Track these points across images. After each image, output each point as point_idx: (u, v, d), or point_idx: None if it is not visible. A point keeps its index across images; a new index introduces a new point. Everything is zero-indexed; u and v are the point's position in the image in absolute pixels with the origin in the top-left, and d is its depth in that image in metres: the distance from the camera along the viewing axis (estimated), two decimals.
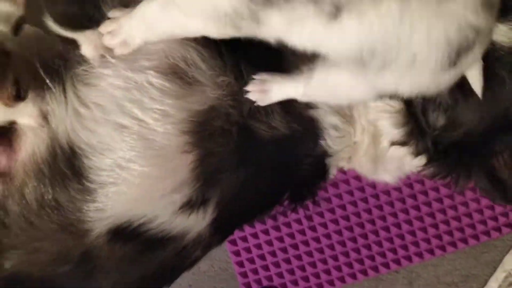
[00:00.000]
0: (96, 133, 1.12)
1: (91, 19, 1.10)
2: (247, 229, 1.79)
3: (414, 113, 1.08)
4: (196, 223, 1.15)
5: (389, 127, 1.12)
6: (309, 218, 1.74)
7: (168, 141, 1.09)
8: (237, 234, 1.81)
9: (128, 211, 1.12)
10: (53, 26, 1.10)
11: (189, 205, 1.13)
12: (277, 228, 1.77)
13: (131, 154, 1.10)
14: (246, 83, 1.09)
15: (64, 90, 1.16)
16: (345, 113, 1.17)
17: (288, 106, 1.13)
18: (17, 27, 1.12)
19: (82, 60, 1.15)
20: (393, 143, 1.13)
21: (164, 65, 1.10)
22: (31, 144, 1.18)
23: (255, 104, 1.10)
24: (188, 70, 1.09)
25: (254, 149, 1.13)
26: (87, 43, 1.12)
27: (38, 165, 1.16)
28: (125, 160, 1.10)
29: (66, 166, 1.14)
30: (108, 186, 1.11)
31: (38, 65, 1.15)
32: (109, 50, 1.09)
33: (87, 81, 1.15)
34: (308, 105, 1.12)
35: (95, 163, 1.12)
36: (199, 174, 1.11)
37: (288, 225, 1.81)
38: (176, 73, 1.09)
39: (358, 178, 1.74)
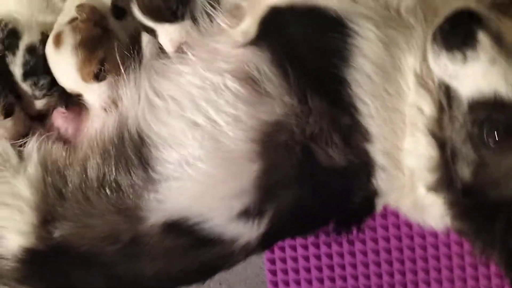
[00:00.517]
0: (168, 126, 1.13)
1: (173, 14, 1.12)
2: (287, 240, 1.77)
3: (446, 161, 1.04)
4: (248, 232, 1.15)
5: (423, 171, 1.08)
6: (351, 243, 1.71)
7: (236, 146, 1.09)
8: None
9: (187, 207, 1.13)
10: (137, 13, 1.13)
11: (246, 214, 1.13)
12: (317, 246, 1.75)
13: (200, 152, 1.10)
14: (310, 110, 1.08)
15: (140, 79, 1.17)
16: (393, 155, 1.12)
17: (348, 137, 1.09)
18: (117, 11, 1.13)
19: (162, 53, 1.17)
20: (428, 189, 1.09)
21: (240, 70, 1.09)
22: (100, 122, 1.20)
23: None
24: (261, 81, 1.08)
25: (313, 171, 1.12)
26: (164, 35, 1.14)
27: (104, 144, 1.18)
28: (194, 157, 1.10)
29: (133, 152, 1.15)
30: (172, 180, 1.12)
31: (124, 50, 1.17)
32: (187, 46, 1.11)
33: (165, 74, 1.16)
34: (365, 137, 1.09)
35: (163, 155, 1.12)
36: (260, 184, 1.10)
37: (328, 245, 1.79)
38: (251, 80, 1.09)
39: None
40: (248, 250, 1.21)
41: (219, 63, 1.09)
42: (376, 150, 1.08)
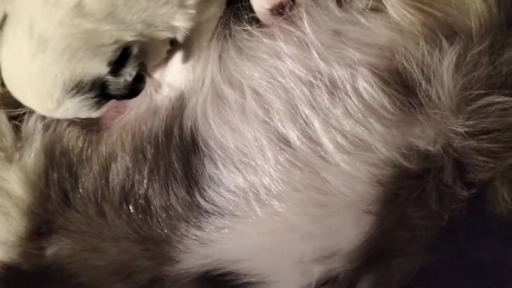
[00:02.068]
0: (238, 134, 0.77)
1: None
2: None
3: None
4: None
5: None
6: None
7: (347, 187, 0.72)
8: None
9: (241, 261, 0.78)
10: None
11: (330, 284, 0.77)
12: None
13: (281, 187, 0.74)
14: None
15: (209, 53, 0.83)
16: None
17: None
18: None
19: (249, 18, 0.81)
20: None
21: (385, 65, 0.72)
22: (143, 108, 0.85)
23: None
24: (421, 82, 0.71)
25: (461, 237, 0.75)
26: None
27: (142, 140, 0.84)
28: (270, 193, 0.75)
29: (179, 159, 0.81)
30: (228, 218, 0.77)
31: None
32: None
33: (249, 51, 0.80)
34: None
35: (221, 176, 0.78)
36: (367, 249, 0.74)
37: None
38: (403, 82, 0.72)
39: None
40: None
41: (349, 50, 0.73)
42: None
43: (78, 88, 0.73)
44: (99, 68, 0.72)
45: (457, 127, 0.69)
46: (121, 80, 0.73)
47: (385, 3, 0.73)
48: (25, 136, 0.89)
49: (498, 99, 0.69)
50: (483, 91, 0.69)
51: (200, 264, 0.80)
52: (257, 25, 0.81)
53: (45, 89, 0.74)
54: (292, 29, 0.77)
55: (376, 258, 0.74)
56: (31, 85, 0.75)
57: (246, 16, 0.82)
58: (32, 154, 0.88)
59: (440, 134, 0.70)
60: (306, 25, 0.76)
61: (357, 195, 0.72)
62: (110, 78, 0.72)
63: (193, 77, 0.83)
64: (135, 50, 0.73)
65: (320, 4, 0.76)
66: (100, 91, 0.74)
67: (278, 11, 0.80)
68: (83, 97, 0.74)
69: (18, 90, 0.78)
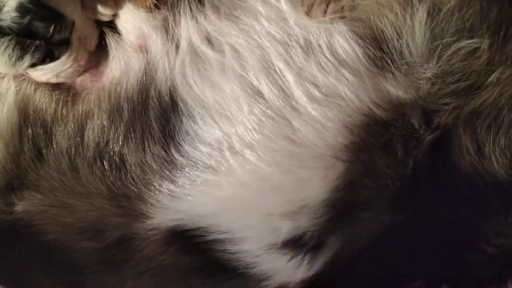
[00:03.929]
0: (217, 89, 0.80)
1: None
2: None
3: None
4: (291, 271, 0.81)
5: None
6: None
7: (316, 135, 0.75)
8: None
9: (211, 215, 0.80)
10: None
11: (296, 244, 0.79)
12: None
13: (254, 136, 0.77)
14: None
15: (183, 13, 0.85)
16: None
17: None
18: None
19: None
20: None
21: (361, 26, 0.77)
22: (121, 66, 0.87)
23: None
24: (393, 38, 0.76)
25: (426, 192, 0.78)
26: None
27: (118, 100, 0.85)
28: (243, 142, 0.77)
29: (157, 117, 0.82)
30: (201, 170, 0.79)
31: None
32: None
33: (227, 10, 0.83)
34: None
35: (199, 129, 0.80)
36: (335, 201, 0.76)
37: None
38: (377, 43, 0.76)
39: None
40: None
41: (323, 18, 0.77)
42: None
43: None
44: None
45: (425, 73, 0.74)
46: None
47: None
48: None
49: (463, 44, 0.74)
50: (451, 39, 0.74)
51: (171, 220, 0.81)
52: None
53: None
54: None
55: (343, 212, 0.77)
56: None
57: None
58: (4, 110, 0.88)
59: (410, 82, 0.74)
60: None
61: (327, 145, 0.75)
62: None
63: (163, 37, 0.84)
64: None
65: None
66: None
67: None
68: None
69: None
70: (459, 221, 0.79)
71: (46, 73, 0.84)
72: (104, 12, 0.83)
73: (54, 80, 0.86)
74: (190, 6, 0.83)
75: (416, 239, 0.81)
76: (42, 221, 0.88)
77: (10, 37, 0.77)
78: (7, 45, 0.77)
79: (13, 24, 0.76)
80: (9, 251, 0.92)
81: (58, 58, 0.83)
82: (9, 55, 0.78)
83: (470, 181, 0.77)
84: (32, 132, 0.88)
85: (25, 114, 0.88)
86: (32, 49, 0.78)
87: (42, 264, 0.92)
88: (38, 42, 0.78)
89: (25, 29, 0.77)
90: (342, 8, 0.80)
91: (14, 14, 0.76)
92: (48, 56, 0.81)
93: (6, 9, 0.76)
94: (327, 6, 0.80)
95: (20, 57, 0.78)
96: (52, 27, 0.78)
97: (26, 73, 0.86)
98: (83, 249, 0.88)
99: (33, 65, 0.81)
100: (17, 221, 0.89)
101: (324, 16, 0.79)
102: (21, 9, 0.76)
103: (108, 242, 0.86)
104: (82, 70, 0.87)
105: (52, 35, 0.79)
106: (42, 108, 0.87)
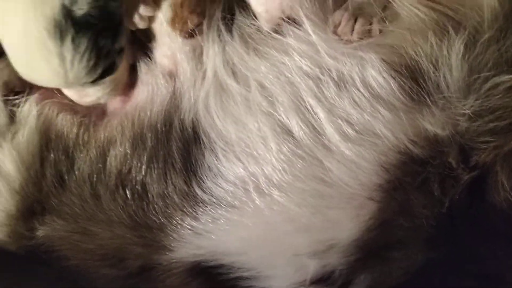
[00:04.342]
0: (241, 125, 0.77)
1: None
2: None
3: None
4: None
5: None
6: None
7: (349, 175, 0.72)
8: None
9: (235, 254, 0.78)
10: None
11: (324, 283, 0.77)
12: None
13: (283, 177, 0.74)
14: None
15: (211, 45, 0.82)
16: None
17: None
18: None
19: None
20: None
21: (395, 58, 0.74)
22: (147, 93, 0.85)
23: None
24: (430, 71, 0.72)
25: (462, 231, 0.75)
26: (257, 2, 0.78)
27: (142, 127, 0.83)
28: (271, 183, 0.74)
29: (179, 149, 0.80)
30: (225, 209, 0.77)
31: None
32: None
33: (257, 45, 0.80)
34: None
35: (221, 166, 0.78)
36: (366, 241, 0.74)
37: None
38: (412, 75, 0.73)
39: None
40: None
41: (356, 50, 0.74)
42: None
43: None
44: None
45: (463, 110, 0.70)
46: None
47: (395, 3, 0.75)
48: (19, 119, 0.88)
49: (503, 79, 0.70)
50: (489, 73, 0.70)
51: (193, 255, 0.79)
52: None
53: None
54: (301, 32, 0.78)
55: (374, 252, 0.74)
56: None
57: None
58: (25, 134, 0.87)
59: (448, 118, 0.71)
60: (309, 29, 0.77)
61: (360, 184, 0.72)
62: None
63: (190, 67, 0.82)
64: None
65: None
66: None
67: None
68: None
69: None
70: (495, 258, 0.76)
71: (100, 90, 0.80)
72: (145, 14, 0.79)
73: (102, 101, 0.83)
74: (219, 37, 0.81)
75: (451, 277, 0.78)
76: (64, 246, 0.88)
77: (89, 35, 0.72)
78: (86, 47, 0.72)
79: (92, 10, 0.71)
80: (31, 276, 0.92)
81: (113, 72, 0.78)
82: (87, 60, 0.73)
83: (505, 217, 0.74)
84: (54, 157, 0.86)
85: (46, 139, 0.87)
86: (105, 52, 0.74)
87: None
88: (109, 45, 0.74)
89: (104, 16, 0.72)
90: (370, 28, 0.77)
91: None
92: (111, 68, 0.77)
93: None
94: (355, 21, 0.77)
95: (94, 65, 0.74)
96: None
97: (81, 88, 0.81)
98: (105, 275, 0.87)
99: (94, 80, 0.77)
100: (38, 246, 0.88)
101: (352, 34, 0.76)
102: None
103: (130, 270, 0.85)
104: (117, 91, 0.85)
105: (119, 36, 0.75)
106: (64, 132, 0.86)
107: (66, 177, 0.86)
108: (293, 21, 0.77)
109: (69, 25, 0.71)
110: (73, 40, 0.71)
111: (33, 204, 0.87)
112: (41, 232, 0.87)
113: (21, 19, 0.71)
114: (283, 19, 0.78)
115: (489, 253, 0.77)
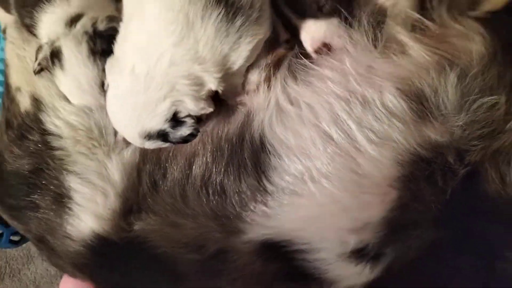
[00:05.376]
0: (297, 134, 1.00)
1: (319, 8, 1.00)
2: None
3: None
4: (356, 276, 1.02)
5: None
6: None
7: (375, 169, 0.96)
8: None
9: (295, 230, 1.00)
10: (282, 5, 1.04)
11: (360, 254, 0.99)
12: None
13: (329, 169, 0.97)
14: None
15: (273, 80, 1.07)
16: None
17: None
18: None
19: (302, 53, 1.05)
20: None
21: (405, 86, 0.97)
22: (227, 116, 1.09)
23: None
24: (431, 96, 0.96)
25: (461, 212, 0.97)
26: (305, 32, 1.03)
27: (220, 141, 1.07)
28: (320, 173, 0.97)
29: (250, 156, 1.03)
30: (287, 194, 0.99)
31: None
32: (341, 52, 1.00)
33: (303, 77, 1.04)
34: None
35: (284, 164, 1.00)
36: (391, 220, 0.97)
37: None
38: (418, 99, 0.96)
39: None
40: None
41: (378, 79, 0.98)
42: None
43: (149, 136, 1.00)
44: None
45: (457, 122, 0.94)
46: (178, 134, 1.00)
47: (408, 47, 0.99)
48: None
49: (486, 100, 0.94)
50: (476, 96, 0.94)
51: (262, 234, 1.01)
52: (310, 59, 1.05)
53: (131, 135, 1.02)
54: (336, 62, 1.02)
55: (396, 229, 0.96)
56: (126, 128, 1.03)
57: (300, 51, 1.06)
58: (130, 151, 1.11)
59: (446, 129, 0.95)
60: (347, 61, 1.01)
61: (384, 176, 0.95)
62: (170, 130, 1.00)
63: (260, 97, 1.07)
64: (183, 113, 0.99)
65: (357, 44, 1.02)
66: (163, 139, 1.01)
67: (323, 50, 1.04)
68: (153, 141, 1.01)
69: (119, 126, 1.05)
70: (488, 232, 0.99)
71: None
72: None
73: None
74: (281, 73, 1.05)
75: (454, 249, 1.01)
76: (155, 237, 1.09)
77: None
78: None
79: None
80: (126, 264, 1.13)
81: None
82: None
83: (495, 203, 0.96)
84: (149, 168, 1.10)
85: (145, 154, 1.10)
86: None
87: (152, 273, 1.12)
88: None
89: None
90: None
91: None
92: None
93: None
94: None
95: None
96: None
97: None
98: (188, 260, 1.08)
99: None
100: (135, 238, 1.09)
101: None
102: None
103: (209, 254, 1.05)
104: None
105: None
106: (159, 149, 1.08)
107: (159, 182, 1.08)
108: (328, 49, 1.02)
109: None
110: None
111: (131, 205, 1.10)
112: (137, 226, 1.09)
113: None
114: (321, 49, 1.03)
115: (483, 230, 1.00)
